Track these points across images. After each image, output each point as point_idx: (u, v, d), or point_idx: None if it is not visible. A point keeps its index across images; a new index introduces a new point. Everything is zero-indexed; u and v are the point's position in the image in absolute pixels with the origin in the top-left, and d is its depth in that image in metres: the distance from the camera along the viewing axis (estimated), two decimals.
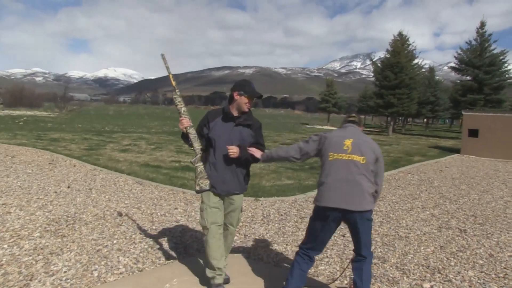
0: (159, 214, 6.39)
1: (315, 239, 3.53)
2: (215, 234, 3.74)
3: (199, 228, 5.76)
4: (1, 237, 4.95)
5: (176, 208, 6.77)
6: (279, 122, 52.81)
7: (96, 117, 41.17)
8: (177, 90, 3.74)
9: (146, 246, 4.90)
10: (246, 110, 3.76)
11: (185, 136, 3.80)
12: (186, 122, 3.71)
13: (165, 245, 4.99)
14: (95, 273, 4.07)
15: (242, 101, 3.72)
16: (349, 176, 3.38)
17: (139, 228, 5.61)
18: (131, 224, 5.77)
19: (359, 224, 3.42)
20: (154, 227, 5.71)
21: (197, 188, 3.68)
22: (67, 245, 4.79)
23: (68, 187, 7.87)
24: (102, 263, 4.32)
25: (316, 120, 69.70)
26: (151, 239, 5.16)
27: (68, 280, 3.89)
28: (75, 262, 4.29)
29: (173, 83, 3.73)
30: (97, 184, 8.26)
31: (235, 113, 3.77)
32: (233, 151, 3.62)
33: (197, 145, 3.72)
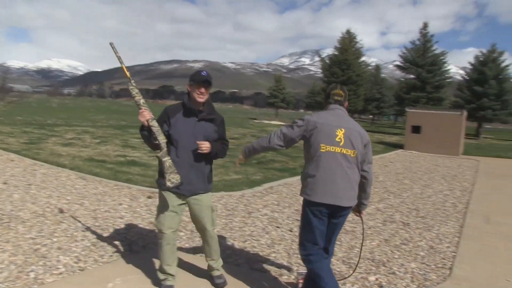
0: (103, 210, 6.14)
1: (314, 234, 3.38)
2: (169, 240, 3.62)
3: (144, 224, 5.58)
4: None
5: (120, 204, 6.53)
6: (228, 116, 52.59)
7: (38, 109, 39.52)
8: (132, 81, 3.47)
9: (88, 244, 4.68)
10: (199, 99, 3.52)
11: (145, 130, 3.49)
12: (147, 113, 3.40)
13: (109, 243, 4.77)
14: (32, 274, 3.81)
15: (193, 90, 3.54)
16: (340, 171, 3.30)
17: (82, 225, 5.36)
18: (73, 221, 5.51)
19: (342, 220, 3.42)
20: (97, 223, 5.47)
21: (168, 184, 3.40)
22: (0, 245, 4.49)
23: (5, 183, 7.42)
24: (40, 263, 4.07)
25: (264, 115, 70.10)
26: (94, 237, 4.94)
27: (0, 284, 3.63)
28: (8, 264, 4.00)
29: (127, 73, 3.46)
30: (37, 180, 7.85)
31: (196, 107, 3.56)
32: (206, 146, 3.46)
33: (162, 138, 3.45)
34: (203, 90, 3.53)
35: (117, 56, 3.46)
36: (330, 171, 3.29)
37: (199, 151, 3.45)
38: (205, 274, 3.97)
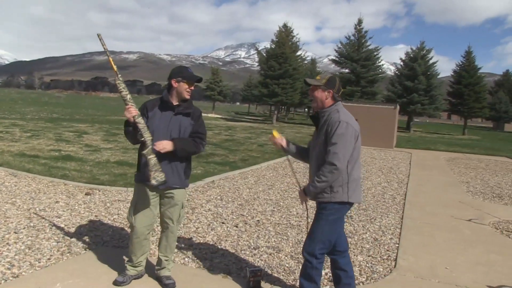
0: (37, 209, 5.74)
1: (334, 238, 3.37)
2: (139, 235, 3.63)
3: (84, 223, 5.27)
4: None
5: (57, 202, 6.15)
6: None
7: None
8: (119, 76, 3.35)
9: (22, 247, 4.32)
10: (187, 97, 3.53)
11: (130, 126, 3.42)
12: (134, 110, 3.35)
13: (46, 245, 4.44)
14: None
15: (182, 87, 3.50)
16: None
17: (14, 226, 4.96)
18: (4, 222, 5.08)
19: None
20: (32, 224, 5.09)
21: (153, 182, 3.34)
22: None
23: None
24: None
25: (201, 107, 69.10)
26: (29, 239, 4.57)
27: None
28: None
29: (114, 67, 3.32)
30: None
31: (175, 102, 3.54)
32: (161, 145, 3.37)
33: (148, 136, 3.37)
34: (192, 88, 3.56)
35: (104, 48, 3.35)
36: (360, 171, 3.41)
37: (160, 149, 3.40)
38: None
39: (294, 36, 42.11)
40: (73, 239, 4.67)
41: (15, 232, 4.75)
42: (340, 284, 3.53)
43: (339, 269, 3.52)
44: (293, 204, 7.09)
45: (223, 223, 5.75)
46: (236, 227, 5.62)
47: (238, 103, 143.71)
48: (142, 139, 3.36)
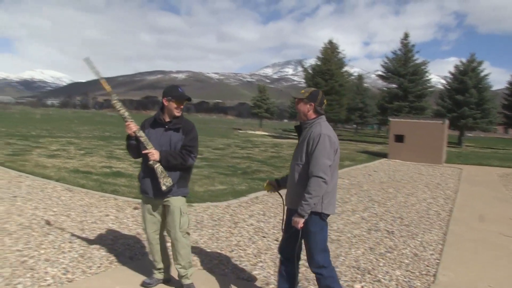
0: (89, 221, 6.13)
1: (326, 243, 3.52)
2: (151, 240, 3.96)
3: (131, 235, 5.60)
4: None
5: (107, 215, 6.53)
6: (212, 127, 52.68)
7: (21, 120, 39.07)
8: (114, 95, 3.68)
9: (76, 256, 4.68)
10: (177, 114, 3.79)
11: (132, 139, 3.79)
12: (134, 125, 3.71)
13: (96, 254, 4.78)
14: (19, 287, 3.81)
15: (171, 106, 3.76)
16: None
17: (69, 236, 5.35)
18: (60, 232, 5.49)
19: None
20: (84, 235, 5.47)
21: (163, 187, 3.66)
22: None
23: None
24: (28, 275, 4.06)
25: (249, 125, 70.15)
26: (82, 248, 4.94)
27: None
28: None
29: (107, 87, 3.63)
30: (23, 192, 7.80)
31: (167, 119, 3.81)
32: (153, 154, 3.66)
33: (151, 147, 3.68)
34: (182, 106, 3.81)
35: (94, 71, 3.64)
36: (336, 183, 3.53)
37: (150, 158, 3.66)
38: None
39: (339, 52, 42.02)
40: (120, 250, 5.00)
41: (69, 242, 5.13)
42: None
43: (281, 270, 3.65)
44: (334, 219, 7.17)
45: (264, 237, 5.93)
46: (277, 241, 5.77)
47: (285, 120, 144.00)
48: (146, 151, 3.66)
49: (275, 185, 3.83)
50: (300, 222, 3.30)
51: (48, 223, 5.88)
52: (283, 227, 3.67)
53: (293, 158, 3.54)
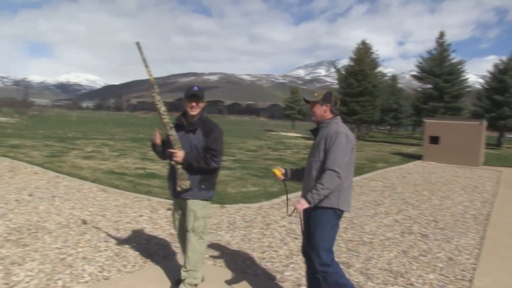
0: (124, 221, 6.32)
1: (333, 243, 3.57)
2: (178, 238, 4.21)
3: (164, 235, 5.75)
4: None
5: (141, 216, 6.71)
6: (244, 129, 52.87)
7: (58, 123, 40.26)
8: (155, 87, 3.68)
9: (111, 254, 4.85)
10: (192, 113, 3.79)
11: (156, 147, 3.95)
12: (158, 138, 3.91)
13: (131, 253, 4.94)
14: (59, 282, 3.99)
15: (186, 106, 3.81)
16: None
17: (104, 236, 5.54)
18: (96, 232, 5.70)
19: None
20: (119, 234, 5.65)
21: (178, 188, 3.75)
22: (29, 254, 4.68)
23: (30, 195, 7.67)
24: (67, 272, 4.25)
25: (281, 126, 70.08)
26: (117, 247, 5.11)
27: None
28: (38, 272, 4.20)
29: (151, 78, 3.65)
30: (60, 192, 8.09)
31: (188, 121, 3.85)
32: (176, 154, 3.69)
33: (178, 147, 3.73)
34: (193, 104, 3.78)
35: (142, 58, 3.63)
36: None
37: (173, 158, 3.71)
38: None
39: (373, 52, 41.59)
40: (154, 250, 5.15)
41: (105, 241, 5.31)
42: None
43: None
44: (367, 221, 7.16)
45: (296, 238, 5.98)
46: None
47: None
48: (171, 150, 3.70)
49: (285, 174, 3.88)
50: (303, 205, 3.38)
51: (84, 222, 6.10)
52: (302, 229, 3.72)
53: (310, 156, 3.62)
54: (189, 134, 3.81)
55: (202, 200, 3.83)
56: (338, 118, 3.61)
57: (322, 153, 3.45)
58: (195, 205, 3.81)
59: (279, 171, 3.84)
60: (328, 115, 3.59)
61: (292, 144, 27.21)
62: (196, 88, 3.81)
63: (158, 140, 3.89)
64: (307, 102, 3.69)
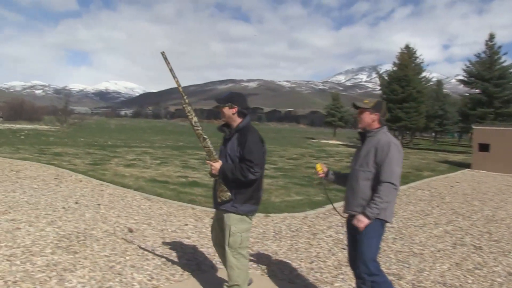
0: (169, 230, 6.45)
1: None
2: (216, 252, 4.14)
3: (210, 244, 5.79)
4: (13, 253, 5.00)
5: (186, 224, 6.83)
6: (284, 136, 52.87)
7: (97, 131, 41.39)
8: (185, 97, 3.59)
9: (159, 263, 4.96)
10: (223, 119, 3.78)
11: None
12: (200, 133, 3.70)
13: (178, 262, 5.04)
14: None
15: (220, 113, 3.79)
16: None
17: (151, 244, 5.67)
18: (143, 240, 5.84)
19: None
20: (165, 243, 5.77)
21: (218, 200, 3.71)
22: (79, 261, 4.84)
23: (76, 202, 7.94)
24: (117, 279, 4.37)
25: (322, 134, 69.73)
26: (164, 256, 5.22)
27: None
28: (89, 279, 4.34)
29: (180, 88, 3.60)
30: (105, 200, 8.33)
31: (229, 129, 3.80)
32: (213, 166, 3.67)
33: (213, 158, 3.70)
34: (220, 110, 3.75)
35: (168, 68, 3.58)
36: None
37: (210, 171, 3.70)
38: None
39: (417, 57, 40.91)
40: (202, 259, 5.24)
41: (152, 250, 5.44)
42: None
43: None
44: (416, 232, 7.05)
45: (343, 249, 5.94)
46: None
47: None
48: (207, 161, 3.69)
49: (326, 173, 3.97)
50: (364, 222, 3.38)
51: (130, 230, 6.26)
52: (348, 241, 3.73)
53: (356, 164, 3.61)
54: (228, 144, 3.75)
55: (237, 214, 3.69)
56: (385, 128, 3.62)
57: (372, 164, 3.45)
58: (230, 219, 3.70)
59: (321, 168, 3.92)
60: (376, 124, 3.61)
61: (334, 152, 27.04)
62: (224, 95, 3.80)
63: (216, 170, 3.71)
64: (356, 108, 3.69)
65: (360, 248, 3.50)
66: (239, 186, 3.64)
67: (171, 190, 9.77)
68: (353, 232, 3.59)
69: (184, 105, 3.63)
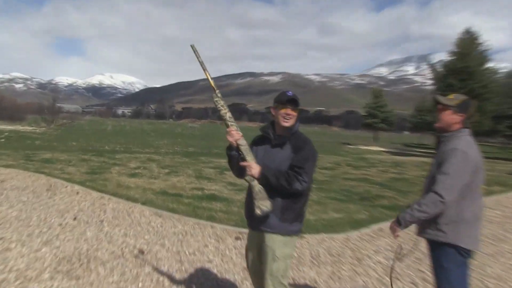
0: (187, 252, 6.53)
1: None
2: (252, 282, 4.10)
3: (236, 270, 5.88)
4: (5, 279, 5.10)
5: (206, 246, 6.90)
6: (314, 141, 52.49)
7: (92, 133, 41.94)
8: (217, 92, 3.69)
9: None
10: (284, 124, 3.70)
11: (232, 150, 3.75)
12: (236, 133, 3.68)
13: None
14: None
15: (277, 113, 3.75)
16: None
17: (167, 269, 5.75)
18: (156, 264, 5.92)
19: None
20: (183, 267, 5.85)
21: (258, 211, 3.55)
22: None
23: (74, 218, 8.08)
24: None
25: (360, 139, 69.45)
26: (183, 283, 5.29)
27: None
28: None
29: (211, 82, 3.70)
30: (108, 215, 8.47)
31: (277, 132, 3.78)
32: (251, 167, 3.62)
33: (250, 159, 3.65)
34: (289, 111, 3.70)
35: (199, 61, 3.69)
36: (480, 213, 3.52)
37: (247, 172, 3.63)
38: None
39: (481, 43, 40.24)
40: (227, 286, 5.28)
41: (168, 275, 5.52)
42: None
43: None
44: (488, 262, 6.98)
45: (397, 278, 5.95)
46: (414, 284, 5.78)
47: (406, 132, 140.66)
48: (244, 162, 3.63)
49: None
50: (396, 230, 3.44)
51: (141, 252, 6.36)
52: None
53: (428, 179, 3.61)
54: (276, 149, 3.72)
55: (283, 235, 3.66)
56: (466, 131, 3.54)
57: (436, 173, 3.44)
58: (274, 241, 3.65)
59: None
60: (457, 126, 3.52)
61: (377, 161, 26.95)
62: (291, 93, 3.75)
63: (238, 137, 3.68)
64: (438, 103, 3.62)
65: (436, 281, 3.51)
66: (289, 200, 3.64)
67: (185, 204, 9.87)
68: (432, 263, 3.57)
69: (215, 99, 3.72)
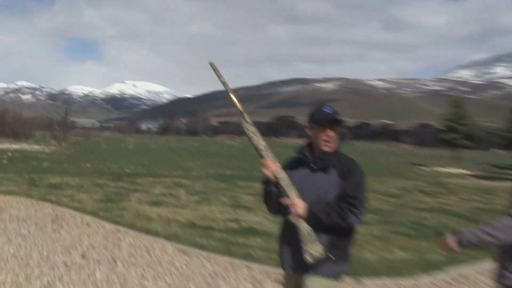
0: None
1: None
2: None
3: None
4: None
5: None
6: (378, 161, 52.38)
7: (110, 152, 42.50)
8: (246, 116, 3.67)
9: None
10: (324, 148, 3.69)
11: (270, 185, 3.69)
12: (272, 164, 3.63)
13: None
14: None
15: (315, 135, 3.73)
16: None
17: None
18: None
19: None
20: None
21: (308, 257, 3.47)
22: None
23: (83, 256, 8.13)
24: None
25: (436, 158, 68.46)
26: None
27: None
28: None
29: (238, 105, 3.66)
30: (123, 253, 8.50)
31: (317, 154, 3.75)
32: (295, 205, 3.53)
33: (293, 195, 3.56)
34: (330, 133, 3.68)
35: (221, 81, 3.69)
36: None
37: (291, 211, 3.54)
38: None
39: None
40: None
41: None
42: None
43: None
44: None
45: None
46: None
47: (496, 150, 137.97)
48: (287, 200, 3.54)
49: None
50: (452, 249, 3.42)
51: None
52: None
53: None
54: (317, 174, 3.68)
55: (328, 277, 3.62)
56: None
57: None
58: (315, 285, 3.61)
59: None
60: None
61: (457, 186, 26.45)
62: (330, 108, 3.71)
63: (276, 169, 3.63)
64: None
65: None
66: (337, 236, 3.61)
67: (217, 239, 9.83)
68: None
69: (244, 125, 3.68)
